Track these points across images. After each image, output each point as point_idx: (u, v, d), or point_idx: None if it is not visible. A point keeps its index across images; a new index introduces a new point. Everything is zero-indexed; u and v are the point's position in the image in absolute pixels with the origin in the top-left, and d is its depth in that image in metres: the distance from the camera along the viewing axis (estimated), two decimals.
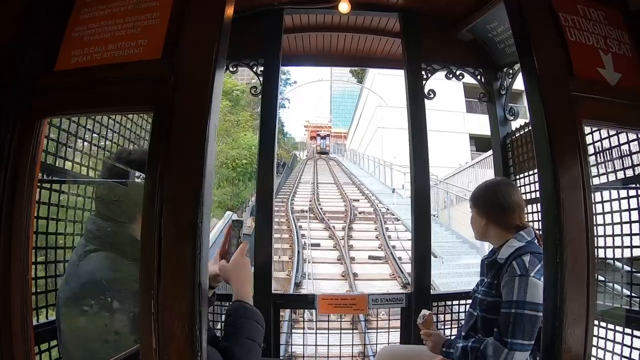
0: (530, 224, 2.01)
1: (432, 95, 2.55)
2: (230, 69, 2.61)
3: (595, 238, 1.31)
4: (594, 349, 1.55)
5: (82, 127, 1.66)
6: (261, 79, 2.60)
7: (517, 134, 2.44)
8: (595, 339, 1.57)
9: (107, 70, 1.27)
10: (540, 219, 2.16)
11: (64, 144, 1.60)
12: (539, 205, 2.20)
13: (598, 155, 1.75)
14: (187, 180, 1.12)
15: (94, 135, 1.74)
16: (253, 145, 24.06)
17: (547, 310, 1.22)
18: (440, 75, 2.61)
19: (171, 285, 1.09)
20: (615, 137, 1.70)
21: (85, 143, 1.71)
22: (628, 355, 1.62)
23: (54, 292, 1.53)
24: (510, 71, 2.49)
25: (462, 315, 2.43)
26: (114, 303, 1.25)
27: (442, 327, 2.43)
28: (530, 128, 2.30)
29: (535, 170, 2.26)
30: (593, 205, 1.32)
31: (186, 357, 1.08)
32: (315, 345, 2.48)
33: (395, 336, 2.50)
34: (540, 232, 1.69)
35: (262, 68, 2.60)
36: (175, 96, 1.17)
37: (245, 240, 1.40)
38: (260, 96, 2.60)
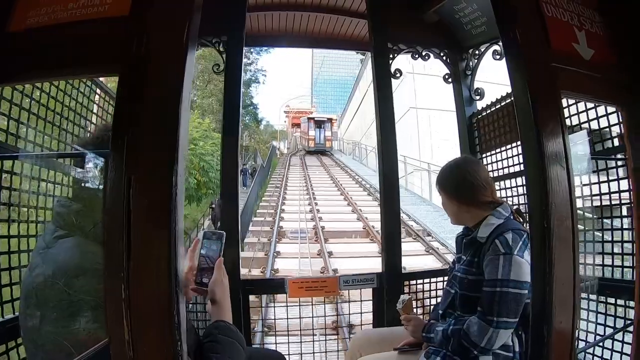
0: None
1: (398, 75, 2.54)
2: None
3: (578, 211, 1.34)
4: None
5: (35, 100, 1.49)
6: (224, 56, 2.46)
7: (484, 113, 2.47)
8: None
9: (68, 29, 1.12)
10: (513, 194, 2.22)
11: (16, 120, 1.42)
12: (508, 181, 2.26)
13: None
14: (160, 147, 1.01)
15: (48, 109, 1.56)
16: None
17: (536, 276, 1.22)
18: (407, 55, 2.60)
19: (144, 266, 0.97)
20: (593, 110, 1.76)
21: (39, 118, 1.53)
22: (612, 325, 1.69)
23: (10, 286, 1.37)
24: (477, 52, 2.52)
25: (434, 293, 2.46)
26: (87, 293, 1.09)
27: (416, 306, 2.43)
28: (496, 107, 2.36)
29: (503, 148, 2.32)
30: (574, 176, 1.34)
31: (165, 346, 0.97)
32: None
33: None
34: (515, 207, 1.73)
35: (225, 47, 2.46)
36: (146, 55, 1.04)
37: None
38: (222, 75, 2.48)
